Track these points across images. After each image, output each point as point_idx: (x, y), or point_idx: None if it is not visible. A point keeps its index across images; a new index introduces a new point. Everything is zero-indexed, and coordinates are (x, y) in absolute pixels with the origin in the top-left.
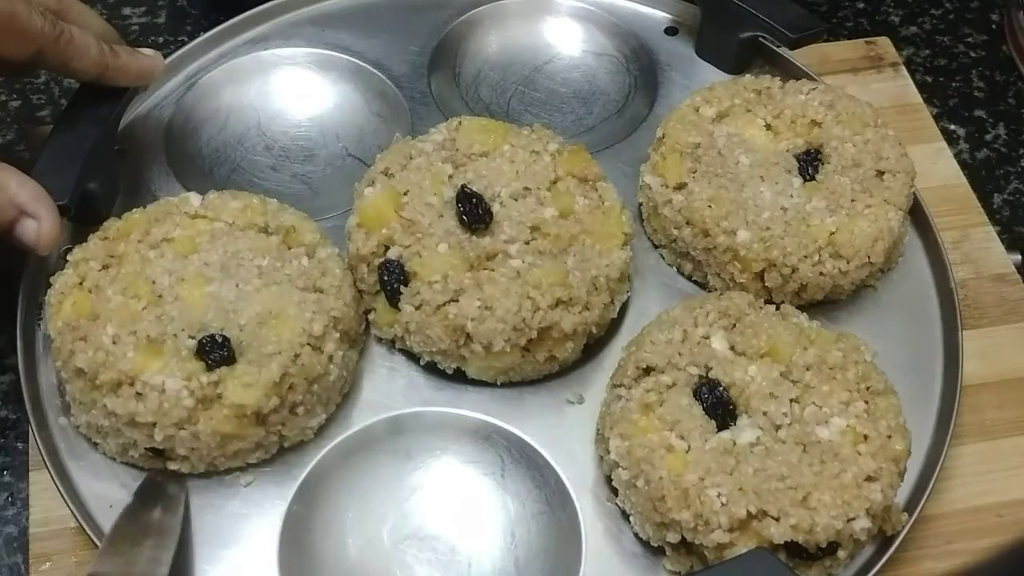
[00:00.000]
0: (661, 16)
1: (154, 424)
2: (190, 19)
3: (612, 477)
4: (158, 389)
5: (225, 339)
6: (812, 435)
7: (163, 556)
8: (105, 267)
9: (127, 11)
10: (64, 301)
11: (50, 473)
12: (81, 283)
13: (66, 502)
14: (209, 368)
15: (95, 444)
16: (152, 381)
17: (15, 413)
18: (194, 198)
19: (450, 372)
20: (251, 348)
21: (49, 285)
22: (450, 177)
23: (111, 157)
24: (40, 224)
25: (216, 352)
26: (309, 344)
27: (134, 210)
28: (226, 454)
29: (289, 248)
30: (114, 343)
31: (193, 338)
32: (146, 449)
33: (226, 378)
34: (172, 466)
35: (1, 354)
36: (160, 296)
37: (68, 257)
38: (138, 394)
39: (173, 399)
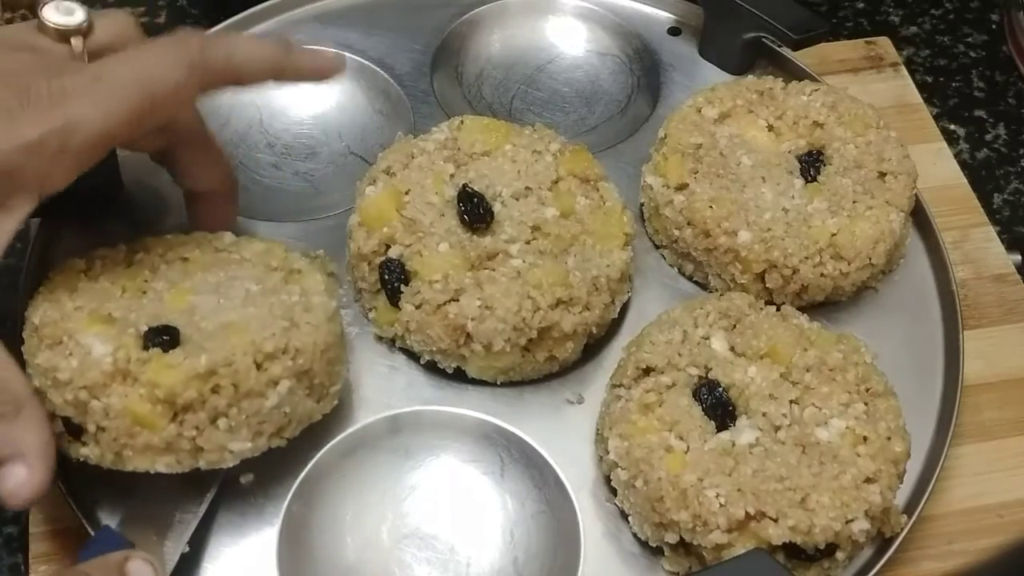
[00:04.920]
0: (664, 16)
1: (69, 383)
2: (190, 19)
3: (611, 477)
4: (85, 349)
5: (175, 330)
6: (811, 436)
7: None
8: (117, 267)
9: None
10: (57, 277)
11: None
12: (86, 272)
13: (66, 499)
14: (144, 348)
15: None
16: (83, 341)
17: None
18: (228, 236)
19: (450, 371)
20: (194, 343)
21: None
22: (452, 176)
23: (113, 152)
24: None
25: (159, 337)
26: (253, 357)
27: (168, 235)
28: (135, 446)
29: (286, 283)
30: (75, 309)
31: (149, 326)
32: (64, 423)
33: (154, 358)
34: (83, 451)
35: None
36: (145, 293)
37: (94, 252)
38: (69, 353)
39: (94, 362)
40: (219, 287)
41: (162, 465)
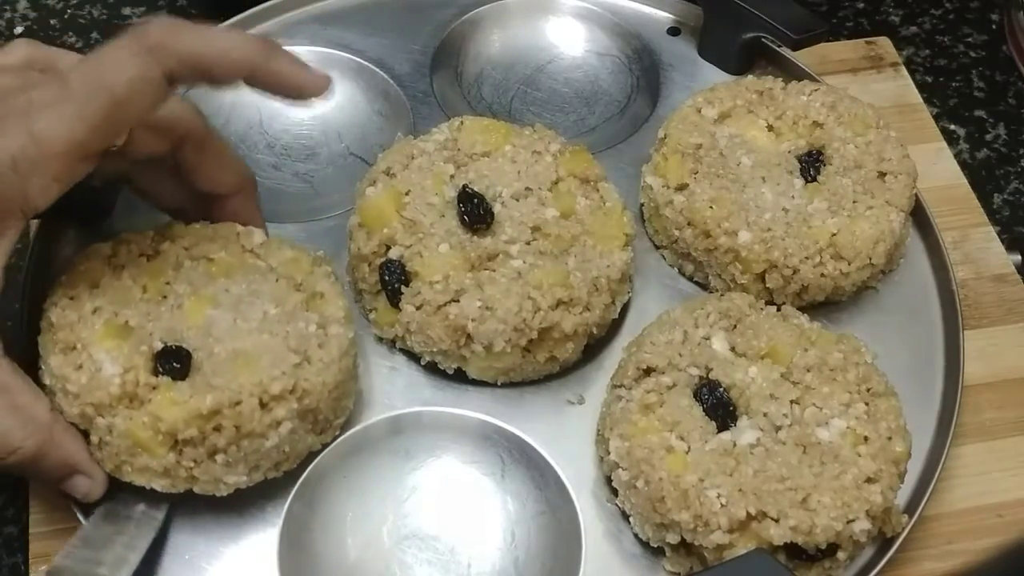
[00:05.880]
0: (664, 16)
1: (77, 396)
2: (191, 20)
3: (612, 478)
4: (96, 365)
5: (188, 355)
6: (812, 436)
7: (131, 557)
8: (142, 255)
9: (127, 11)
10: (83, 264)
11: None
12: (110, 259)
13: (67, 498)
14: (155, 373)
15: None
16: (96, 356)
17: None
18: (258, 235)
19: (451, 372)
20: (204, 374)
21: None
22: (452, 177)
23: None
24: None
25: (170, 363)
26: (259, 398)
27: (197, 224)
28: (133, 465)
29: (307, 310)
30: (93, 312)
31: (163, 343)
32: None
33: (162, 387)
34: None
35: None
36: (165, 297)
37: (121, 236)
38: (80, 365)
39: (103, 380)
40: (239, 303)
41: (158, 485)
